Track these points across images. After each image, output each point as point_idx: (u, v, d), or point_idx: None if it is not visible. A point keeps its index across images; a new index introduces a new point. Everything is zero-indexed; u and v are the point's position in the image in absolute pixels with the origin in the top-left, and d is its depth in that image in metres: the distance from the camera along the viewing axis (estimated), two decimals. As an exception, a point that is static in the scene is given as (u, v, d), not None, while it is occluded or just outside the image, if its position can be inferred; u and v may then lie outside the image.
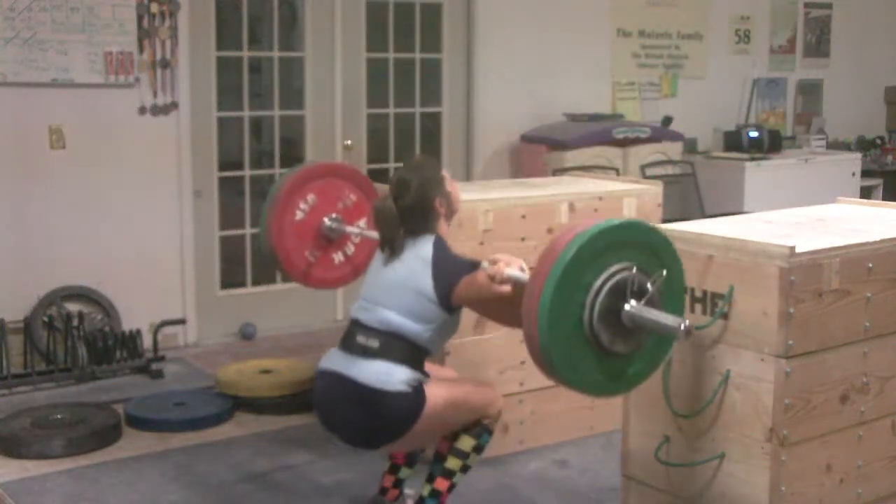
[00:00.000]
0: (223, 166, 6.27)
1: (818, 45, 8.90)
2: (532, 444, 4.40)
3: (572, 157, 6.77)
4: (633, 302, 2.72)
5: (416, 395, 3.33)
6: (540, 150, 6.89)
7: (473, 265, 3.35)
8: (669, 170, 7.34)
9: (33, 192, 5.54)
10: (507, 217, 4.22)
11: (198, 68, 6.03)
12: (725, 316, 2.96)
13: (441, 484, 3.47)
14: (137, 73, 5.73)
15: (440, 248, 3.43)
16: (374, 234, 3.62)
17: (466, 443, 3.45)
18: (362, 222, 4.21)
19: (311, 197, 4.17)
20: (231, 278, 6.38)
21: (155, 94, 5.82)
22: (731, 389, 2.97)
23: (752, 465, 2.93)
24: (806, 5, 8.77)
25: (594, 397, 2.97)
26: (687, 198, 7.58)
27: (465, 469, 3.48)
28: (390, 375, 3.30)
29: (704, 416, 3.05)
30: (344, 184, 4.24)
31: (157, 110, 5.84)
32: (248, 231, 6.39)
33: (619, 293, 2.72)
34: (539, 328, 2.67)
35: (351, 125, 6.65)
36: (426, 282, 3.35)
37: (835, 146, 8.75)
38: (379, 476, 3.76)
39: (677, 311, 2.83)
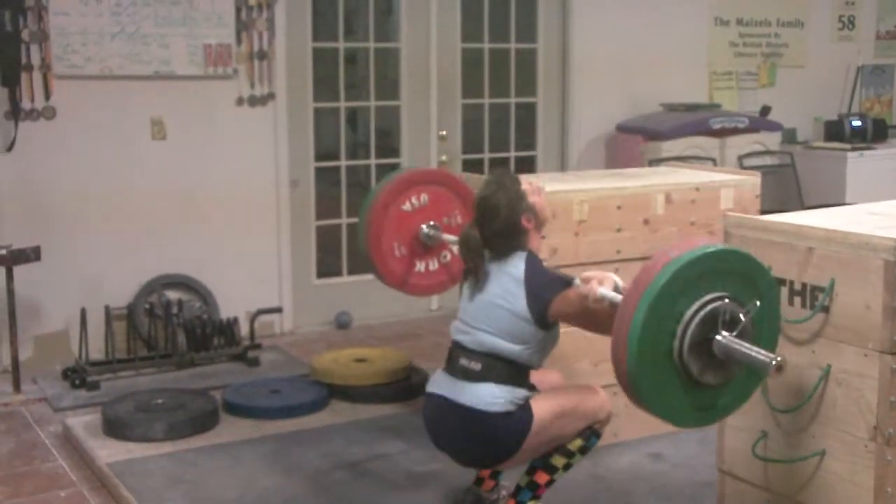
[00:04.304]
0: (319, 156, 6.34)
1: (927, 31, 8.63)
2: (626, 437, 4.36)
3: (668, 147, 6.70)
4: (724, 333, 2.67)
5: (523, 412, 3.32)
6: (636, 141, 6.83)
7: (566, 283, 3.31)
8: (768, 160, 7.21)
9: (135, 182, 5.68)
10: (603, 208, 4.19)
11: (294, 59, 6.10)
12: (826, 310, 2.90)
13: (541, 477, 3.45)
14: (235, 64, 5.83)
15: (532, 265, 3.38)
16: None
17: (574, 443, 3.43)
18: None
19: (424, 197, 4.19)
20: (327, 267, 6.45)
21: (252, 86, 5.91)
22: (831, 385, 2.90)
23: (855, 463, 2.86)
24: (915, -11, 8.52)
25: (680, 427, 2.94)
26: (786, 189, 7.44)
27: (567, 467, 3.46)
28: (495, 397, 3.30)
29: (803, 412, 2.98)
30: (459, 204, 4.25)
31: (255, 101, 5.93)
32: (345, 221, 6.46)
33: (711, 323, 2.67)
34: (628, 354, 2.64)
35: (446, 116, 6.66)
36: (520, 302, 3.32)
37: (944, 135, 8.48)
38: (472, 466, 3.77)
39: (771, 340, 2.78)
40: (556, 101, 7.01)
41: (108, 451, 4.28)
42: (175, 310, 5.52)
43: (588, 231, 4.16)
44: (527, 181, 3.51)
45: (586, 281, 3.17)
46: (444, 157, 6.60)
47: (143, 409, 4.57)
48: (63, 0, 5.36)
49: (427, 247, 4.25)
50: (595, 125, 7.06)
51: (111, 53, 5.50)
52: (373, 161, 6.54)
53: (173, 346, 5.40)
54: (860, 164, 7.40)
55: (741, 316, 2.69)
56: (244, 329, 5.74)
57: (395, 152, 6.58)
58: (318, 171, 6.35)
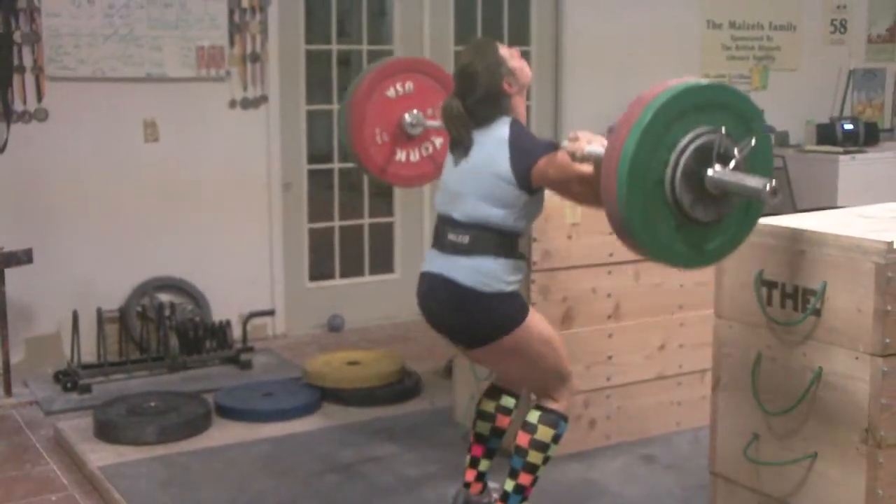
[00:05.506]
0: (312, 159, 6.34)
1: (919, 35, 8.65)
2: (618, 440, 4.37)
3: (661, 150, 6.70)
4: (717, 167, 2.66)
5: (520, 303, 3.36)
6: (628, 143, 6.83)
7: (552, 145, 3.29)
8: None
9: (128, 185, 5.67)
10: (595, 210, 4.18)
11: (287, 62, 6.10)
12: (817, 312, 2.90)
13: (525, 479, 3.45)
14: (228, 66, 5.82)
15: (516, 128, 3.36)
16: None
17: (545, 433, 3.42)
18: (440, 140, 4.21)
19: (409, 85, 4.15)
20: (319, 270, 6.44)
21: (245, 88, 5.90)
22: (823, 388, 2.91)
23: (846, 466, 2.86)
24: (907, -8, 8.54)
25: (673, 267, 2.91)
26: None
27: (546, 461, 3.45)
28: (488, 276, 3.29)
29: (795, 415, 2.99)
30: (444, 96, 4.21)
31: (248, 103, 5.92)
32: (337, 223, 6.46)
33: (705, 156, 2.65)
34: (619, 181, 2.61)
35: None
36: (503, 163, 3.29)
37: (936, 139, 8.50)
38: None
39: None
40: (549, 103, 7.01)
41: (99, 455, 4.26)
42: (167, 312, 5.51)
43: (581, 234, 4.16)
44: (505, 46, 3.46)
45: (574, 139, 3.13)
46: (436, 160, 6.59)
47: (134, 412, 4.56)
48: (55, 2, 5.35)
49: (409, 136, 4.20)
50: (588, 127, 6.93)
51: (104, 55, 5.49)
52: (365, 164, 6.53)
53: (165, 349, 5.39)
54: (852, 167, 7.41)
55: (735, 151, 2.68)
56: (236, 332, 5.74)
57: (387, 155, 6.57)
58: (311, 173, 6.35)
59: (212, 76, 5.78)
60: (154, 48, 5.60)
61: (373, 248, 6.60)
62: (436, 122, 4.12)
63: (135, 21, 5.54)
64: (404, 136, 4.19)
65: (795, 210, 6.83)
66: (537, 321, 3.41)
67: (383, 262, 6.63)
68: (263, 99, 5.96)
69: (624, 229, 2.69)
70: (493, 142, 3.34)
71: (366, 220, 6.58)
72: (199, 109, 5.81)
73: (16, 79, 5.33)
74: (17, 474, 4.20)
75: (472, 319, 3.34)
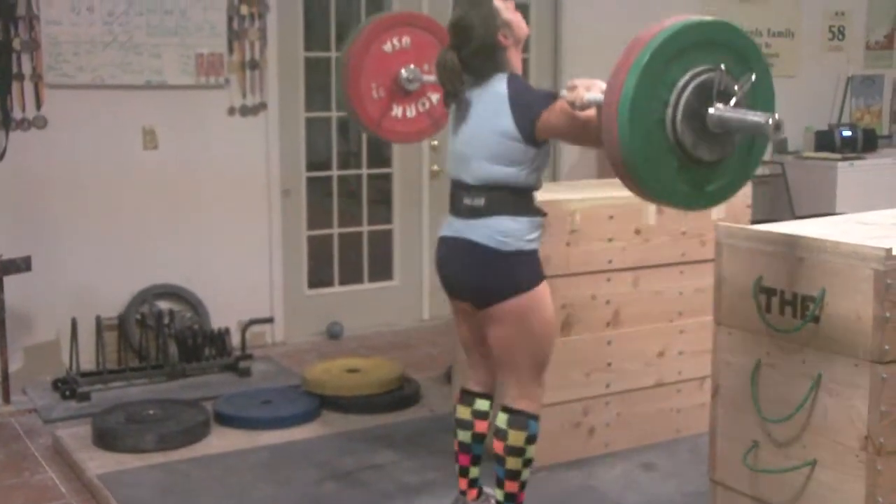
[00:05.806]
0: (311, 166, 6.34)
1: (918, 41, 8.66)
2: (617, 447, 4.36)
3: (660, 156, 6.70)
4: (719, 105, 2.66)
5: (536, 261, 3.36)
6: (627, 150, 6.83)
7: (552, 95, 3.28)
8: (758, 170, 7.20)
9: (127, 192, 5.67)
10: (595, 217, 4.19)
11: (286, 69, 6.10)
12: (816, 319, 2.90)
13: (511, 486, 3.44)
14: (227, 74, 5.82)
15: (514, 82, 3.34)
16: None
17: (517, 438, 3.40)
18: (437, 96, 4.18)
19: (406, 40, 4.12)
20: (318, 277, 6.44)
21: (244, 95, 5.91)
22: (822, 395, 2.91)
23: (845, 473, 2.86)
24: (905, -2, 8.55)
25: (674, 208, 2.91)
26: (777, 199, 7.45)
27: (527, 463, 3.43)
28: (507, 235, 3.30)
29: (794, 422, 2.98)
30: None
31: (247, 111, 5.92)
32: (336, 231, 6.46)
33: (705, 94, 2.65)
34: (619, 121, 2.59)
35: (437, 125, 6.66)
36: (507, 120, 3.28)
37: (935, 145, 8.52)
38: (463, 476, 3.76)
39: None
40: (548, 110, 7.01)
41: (98, 463, 4.26)
42: (166, 320, 5.51)
43: (580, 241, 4.16)
44: None
45: (572, 88, 3.12)
46: (435, 167, 6.60)
47: (133, 420, 4.56)
48: (55, 9, 5.36)
49: (406, 91, 4.16)
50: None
51: (103, 62, 5.49)
52: (364, 171, 6.53)
53: (164, 357, 5.38)
54: (850, 174, 7.42)
55: (736, 88, 2.68)
56: (235, 339, 5.73)
57: (386, 162, 6.58)
58: (310, 180, 6.35)
59: (211, 83, 5.78)
60: (153, 55, 5.61)
61: (372, 256, 6.60)
62: (433, 77, 4.11)
63: (134, 28, 5.54)
64: (401, 92, 4.16)
65: (794, 217, 6.84)
66: (548, 302, 3.41)
67: (382, 270, 6.63)
68: (262, 106, 5.97)
69: (626, 171, 2.68)
70: (493, 99, 3.32)
71: (365, 228, 6.58)
72: (198, 117, 5.81)
73: (15, 86, 5.33)
74: (16, 482, 4.19)
75: (489, 276, 3.34)
